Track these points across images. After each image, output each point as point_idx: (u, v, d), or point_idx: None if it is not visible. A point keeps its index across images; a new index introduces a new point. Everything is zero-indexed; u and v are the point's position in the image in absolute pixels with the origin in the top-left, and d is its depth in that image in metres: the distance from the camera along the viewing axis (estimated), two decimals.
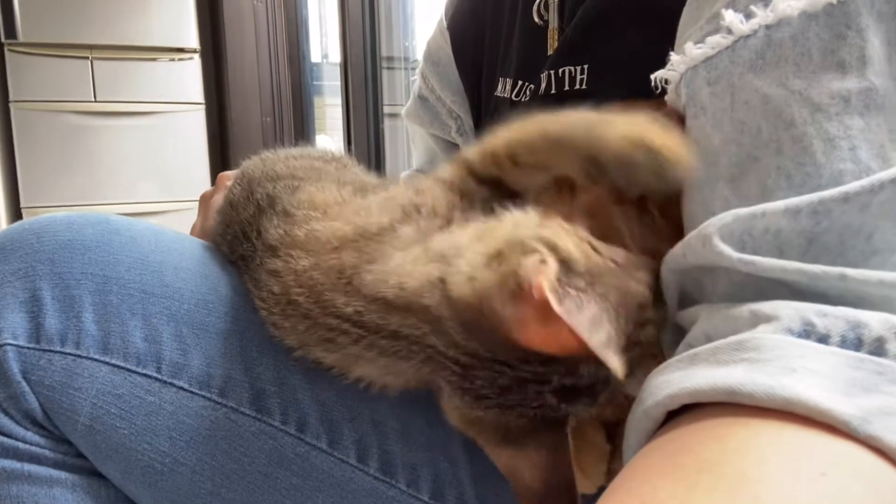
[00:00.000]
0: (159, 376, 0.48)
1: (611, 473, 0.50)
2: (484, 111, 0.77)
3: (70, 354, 0.47)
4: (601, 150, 0.39)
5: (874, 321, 0.29)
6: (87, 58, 2.53)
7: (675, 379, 0.31)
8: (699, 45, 0.38)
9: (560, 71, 0.64)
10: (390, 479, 0.49)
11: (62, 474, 0.47)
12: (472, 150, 0.52)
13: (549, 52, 0.66)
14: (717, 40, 0.37)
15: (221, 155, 2.86)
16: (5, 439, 0.46)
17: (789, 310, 0.31)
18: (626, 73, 0.49)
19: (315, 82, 2.65)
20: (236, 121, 2.71)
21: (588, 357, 0.35)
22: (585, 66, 0.62)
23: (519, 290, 0.34)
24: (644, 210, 0.45)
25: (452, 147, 0.84)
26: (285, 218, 0.47)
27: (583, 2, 0.59)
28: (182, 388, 0.48)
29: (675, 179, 0.38)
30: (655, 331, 0.40)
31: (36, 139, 2.50)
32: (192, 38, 2.63)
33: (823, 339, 0.29)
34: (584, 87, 0.62)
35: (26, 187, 2.51)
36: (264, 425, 0.48)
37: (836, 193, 0.32)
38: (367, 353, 0.41)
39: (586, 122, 0.41)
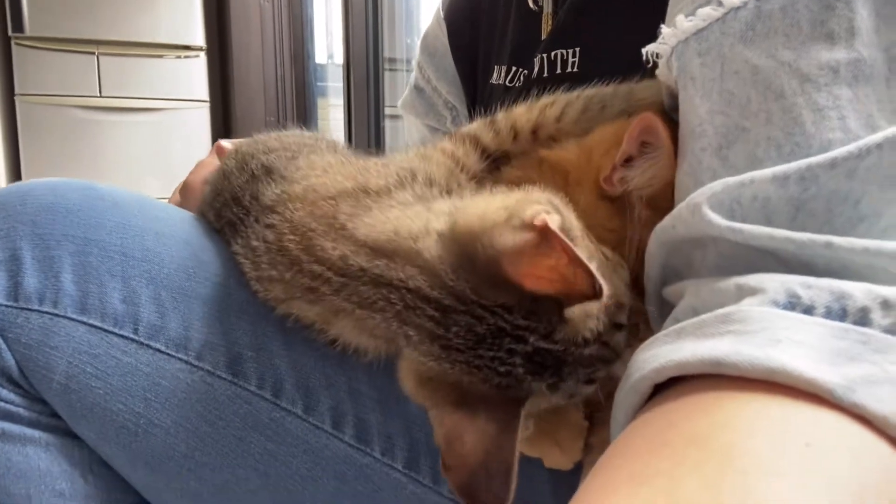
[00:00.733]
0: (136, 337, 0.48)
1: (587, 448, 0.50)
2: (479, 101, 0.77)
3: (47, 313, 0.47)
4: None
5: (858, 292, 0.30)
6: (94, 53, 2.55)
7: (662, 353, 0.31)
8: (690, 18, 0.38)
9: (553, 54, 0.64)
10: (365, 446, 0.49)
11: (36, 433, 0.47)
12: (480, 126, 0.53)
13: (543, 36, 0.67)
14: (708, 12, 0.37)
15: None
16: None
17: (774, 282, 0.31)
18: (617, 54, 0.50)
19: (320, 83, 2.67)
20: (241, 119, 2.73)
21: (571, 299, 0.35)
22: (577, 49, 0.62)
23: (522, 223, 0.35)
24: (630, 203, 0.46)
25: None
26: (282, 181, 0.48)
27: None
28: (159, 350, 0.48)
29: None
30: (625, 340, 0.40)
31: (40, 133, 2.52)
32: (198, 36, 2.64)
33: (808, 310, 0.30)
34: (576, 69, 0.62)
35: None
36: (240, 389, 0.48)
37: (823, 160, 0.32)
38: (346, 304, 0.41)
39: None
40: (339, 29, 2.31)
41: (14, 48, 2.46)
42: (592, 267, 0.34)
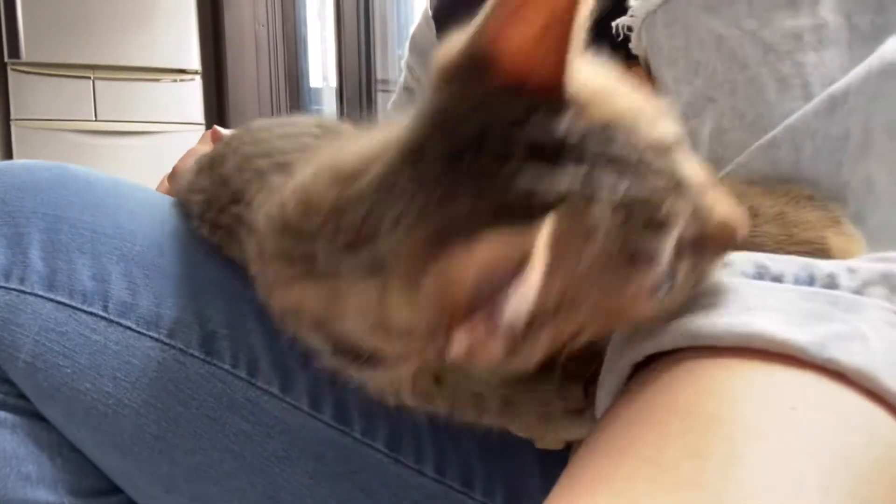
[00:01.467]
0: (106, 315, 0.46)
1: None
2: None
3: (14, 290, 0.45)
4: None
5: (825, 264, 0.30)
6: (90, 78, 2.56)
7: (638, 334, 0.31)
8: None
9: None
10: (345, 426, 0.47)
11: (2, 414, 0.45)
12: None
13: None
14: None
15: None
16: None
17: (741, 256, 0.31)
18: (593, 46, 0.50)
19: (315, 106, 2.68)
20: None
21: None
22: None
23: None
24: None
25: None
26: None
27: None
28: (129, 328, 0.46)
29: None
30: None
31: (37, 157, 2.52)
32: (193, 60, 2.66)
33: (777, 278, 0.30)
34: None
35: None
36: (214, 368, 0.47)
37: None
38: None
39: None
40: (332, 49, 2.33)
41: (10, 74, 2.47)
42: None
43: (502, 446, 0.48)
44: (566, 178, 0.25)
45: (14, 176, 0.50)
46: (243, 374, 0.47)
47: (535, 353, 0.27)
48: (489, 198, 0.25)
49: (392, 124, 0.29)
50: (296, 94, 2.50)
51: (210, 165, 0.50)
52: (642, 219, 0.26)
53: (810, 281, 0.30)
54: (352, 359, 0.32)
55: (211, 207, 0.47)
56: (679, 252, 0.27)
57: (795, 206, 0.36)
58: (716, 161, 0.36)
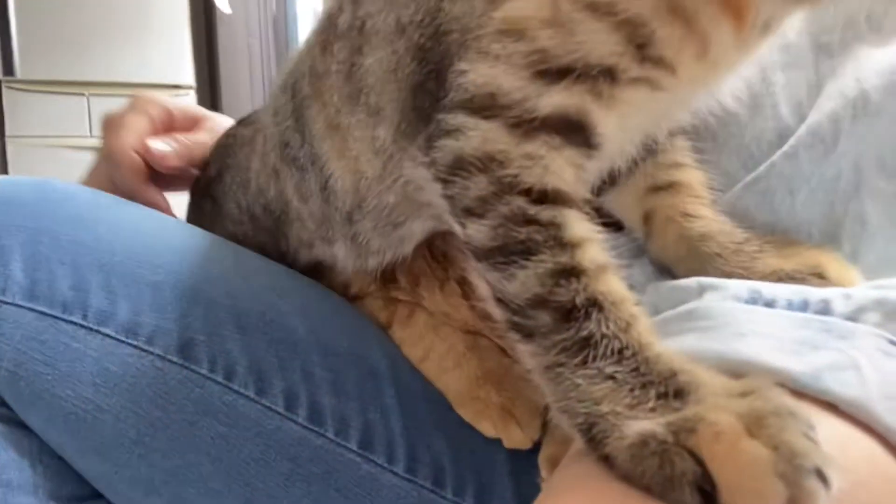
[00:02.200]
0: (85, 323, 0.48)
1: (545, 426, 0.49)
2: None
3: None
4: None
5: (816, 290, 0.30)
6: (84, 94, 2.58)
7: None
8: None
9: None
10: (318, 427, 0.48)
11: None
12: None
13: None
14: None
15: None
16: None
17: (735, 281, 0.32)
18: None
19: None
20: None
21: None
22: None
23: None
24: None
25: None
26: None
27: None
28: (108, 336, 0.48)
29: None
30: None
31: (32, 174, 2.53)
32: (188, 75, 2.68)
33: (770, 303, 0.30)
34: None
35: None
36: (191, 373, 0.48)
37: None
38: None
39: None
40: None
41: (5, 91, 2.49)
42: None
43: (472, 446, 0.49)
44: None
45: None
46: (220, 379, 0.48)
47: None
48: None
49: None
50: None
51: None
52: None
53: (804, 306, 0.30)
54: None
55: None
56: None
57: (793, 243, 0.37)
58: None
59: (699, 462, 0.24)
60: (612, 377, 0.28)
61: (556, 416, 0.30)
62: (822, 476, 0.23)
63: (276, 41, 2.53)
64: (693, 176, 0.41)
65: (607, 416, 0.27)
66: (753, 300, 0.31)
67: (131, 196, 0.59)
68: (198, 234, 0.55)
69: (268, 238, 0.55)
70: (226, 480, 0.48)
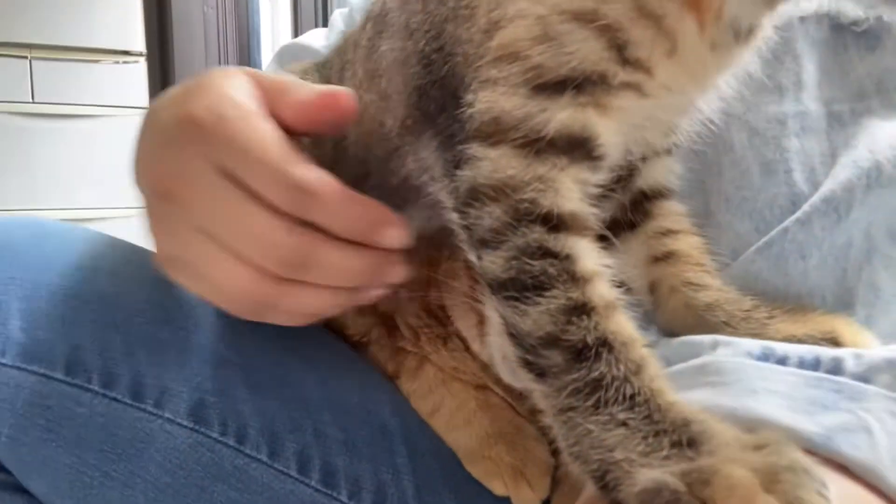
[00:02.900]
0: (90, 386, 0.46)
1: (554, 484, 0.50)
2: None
3: None
4: None
5: (829, 349, 0.31)
6: (27, 57, 2.43)
7: None
8: None
9: None
10: (332, 490, 0.48)
11: None
12: None
13: None
14: None
15: None
16: None
17: (747, 339, 0.32)
18: None
19: None
20: None
21: None
22: None
23: None
24: None
25: None
26: None
27: None
28: (115, 399, 0.46)
29: None
30: None
31: None
32: (138, 41, 2.56)
33: (782, 360, 0.31)
34: None
35: None
36: (202, 437, 0.47)
37: None
38: None
39: None
40: (286, 37, 2.28)
41: None
42: None
43: (482, 503, 0.50)
44: None
45: None
46: (231, 442, 0.47)
47: None
48: None
49: None
50: None
51: None
52: None
53: (815, 364, 0.30)
54: None
55: None
56: None
57: (804, 308, 0.38)
58: (708, 244, 0.37)
59: None
60: (624, 424, 0.28)
61: (568, 462, 0.31)
62: None
63: (236, 13, 2.43)
64: (690, 243, 0.41)
65: (620, 464, 0.27)
66: (765, 357, 0.31)
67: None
68: None
69: None
70: None
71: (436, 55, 0.35)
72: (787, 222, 0.37)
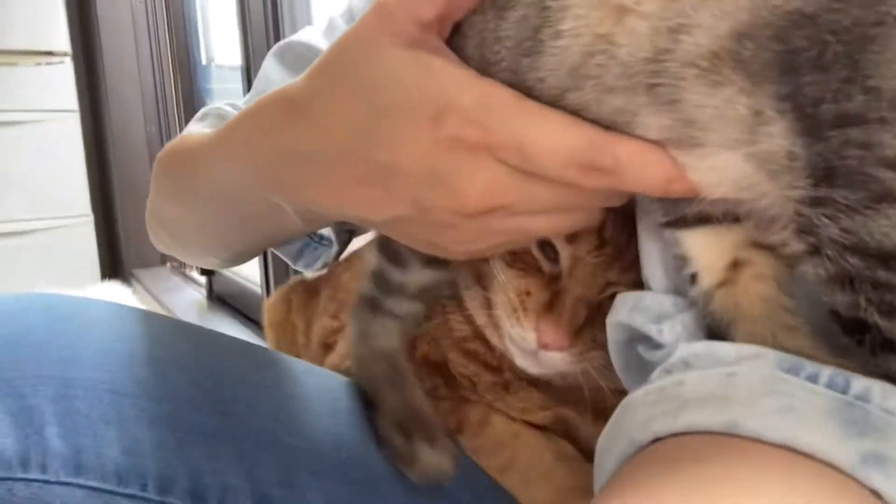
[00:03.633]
0: (146, 495, 0.41)
1: None
2: None
3: (35, 481, 0.39)
4: None
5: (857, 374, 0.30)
6: None
7: (658, 411, 0.31)
8: None
9: None
10: None
11: None
12: None
13: None
14: None
15: (99, 167, 2.63)
16: None
17: (775, 352, 0.31)
18: None
19: (210, 86, 2.48)
20: (116, 129, 2.50)
21: None
22: None
23: None
24: None
25: None
26: None
27: None
28: None
29: None
30: None
31: None
32: (62, 41, 2.39)
33: (812, 377, 0.30)
34: None
35: None
36: None
37: None
38: None
39: None
40: (221, 28, 2.16)
41: None
42: None
43: None
44: None
45: (0, 326, 0.43)
46: None
47: None
48: None
49: None
50: (186, 77, 2.30)
51: None
52: None
53: (845, 387, 0.30)
54: None
55: None
56: None
57: None
58: None
59: None
60: None
61: None
62: None
63: (170, 4, 2.29)
64: None
65: None
66: (795, 371, 0.31)
67: None
68: (260, 355, 0.49)
69: None
70: None
71: None
72: None
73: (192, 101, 2.28)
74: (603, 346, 0.42)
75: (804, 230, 0.29)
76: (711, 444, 0.29)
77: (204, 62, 2.48)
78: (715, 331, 0.36)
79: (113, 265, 2.63)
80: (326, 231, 0.81)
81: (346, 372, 0.53)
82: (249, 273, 1.83)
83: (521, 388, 0.51)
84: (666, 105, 0.29)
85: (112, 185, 2.53)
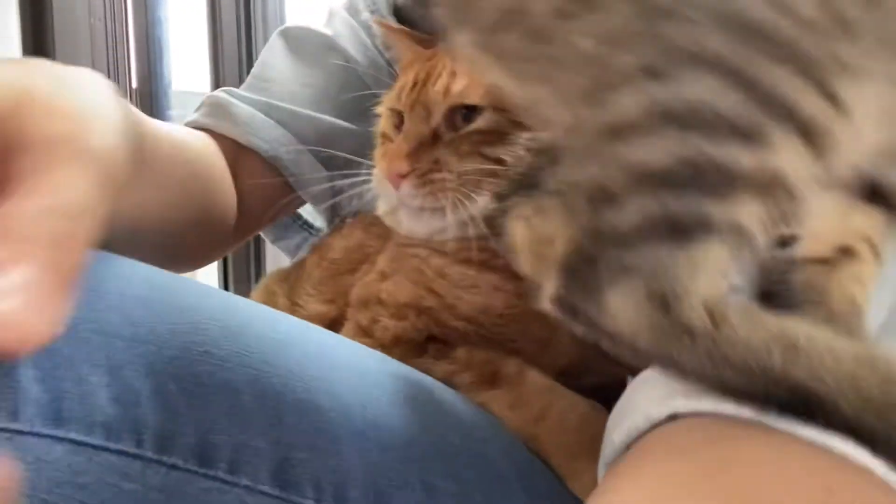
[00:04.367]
0: (141, 452, 0.34)
1: None
2: None
3: (4, 430, 0.32)
4: None
5: None
6: None
7: (681, 387, 0.29)
8: None
9: None
10: None
11: None
12: None
13: None
14: None
15: None
16: None
17: None
18: None
19: (174, 112, 2.40)
20: None
21: None
22: None
23: None
24: None
25: None
26: None
27: None
28: (174, 466, 0.34)
29: None
30: None
31: None
32: (13, 51, 2.29)
33: None
34: None
35: None
36: None
37: None
38: None
39: None
40: (203, 51, 2.09)
41: None
42: None
43: None
44: None
45: None
46: None
47: None
48: None
49: None
50: (147, 99, 2.22)
51: None
52: None
53: None
54: None
55: None
56: None
57: None
58: None
59: None
60: None
61: None
62: None
63: (136, 24, 2.22)
64: None
65: None
66: None
67: None
68: (270, 313, 0.43)
69: None
70: None
71: None
72: None
73: None
74: (450, 167, 0.46)
75: None
76: (738, 436, 0.26)
77: (185, 88, 2.41)
78: (779, 298, 0.32)
79: None
80: (322, 223, 0.76)
81: None
82: (207, 280, 1.74)
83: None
84: None
85: None
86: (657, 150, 0.26)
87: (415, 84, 0.51)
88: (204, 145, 0.63)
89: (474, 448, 0.42)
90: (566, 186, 0.30)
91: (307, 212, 0.79)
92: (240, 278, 1.41)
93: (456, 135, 0.48)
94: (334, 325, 0.56)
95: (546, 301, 0.29)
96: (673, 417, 0.28)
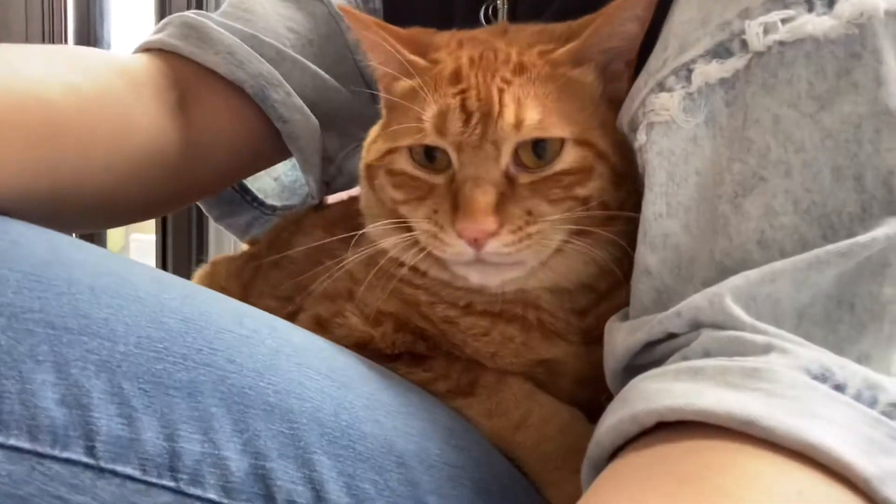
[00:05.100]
0: (91, 461, 0.30)
1: None
2: None
3: None
4: None
5: (891, 385, 0.30)
6: None
7: (677, 391, 0.30)
8: (719, 60, 0.37)
9: None
10: None
11: None
12: None
13: None
14: (734, 63, 0.36)
15: None
16: None
17: (808, 349, 0.30)
18: None
19: None
20: None
21: None
22: None
23: None
24: None
25: None
26: None
27: (541, 13, 0.52)
28: (130, 477, 0.31)
29: None
30: None
31: None
32: None
33: (840, 387, 0.29)
34: None
35: None
36: None
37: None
38: None
39: None
40: (143, 15, 1.99)
41: None
42: None
43: None
44: None
45: None
46: None
47: None
48: None
49: None
50: None
51: None
52: None
53: (872, 402, 0.29)
54: None
55: None
56: None
57: None
58: (766, 244, 0.34)
59: None
60: None
61: None
62: None
63: (79, 24, 2.09)
64: None
65: None
66: (823, 378, 0.30)
67: None
68: (232, 303, 0.39)
69: None
70: None
71: None
72: None
73: None
74: (545, 217, 0.40)
75: None
76: (719, 448, 0.28)
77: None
78: None
79: None
80: (277, 201, 0.72)
81: None
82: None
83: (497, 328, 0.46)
84: None
85: None
86: None
87: (467, 114, 0.40)
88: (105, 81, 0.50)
89: (452, 457, 0.40)
90: None
91: (257, 188, 0.71)
92: (179, 262, 1.33)
93: (537, 176, 0.40)
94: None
95: None
96: (661, 424, 0.29)
